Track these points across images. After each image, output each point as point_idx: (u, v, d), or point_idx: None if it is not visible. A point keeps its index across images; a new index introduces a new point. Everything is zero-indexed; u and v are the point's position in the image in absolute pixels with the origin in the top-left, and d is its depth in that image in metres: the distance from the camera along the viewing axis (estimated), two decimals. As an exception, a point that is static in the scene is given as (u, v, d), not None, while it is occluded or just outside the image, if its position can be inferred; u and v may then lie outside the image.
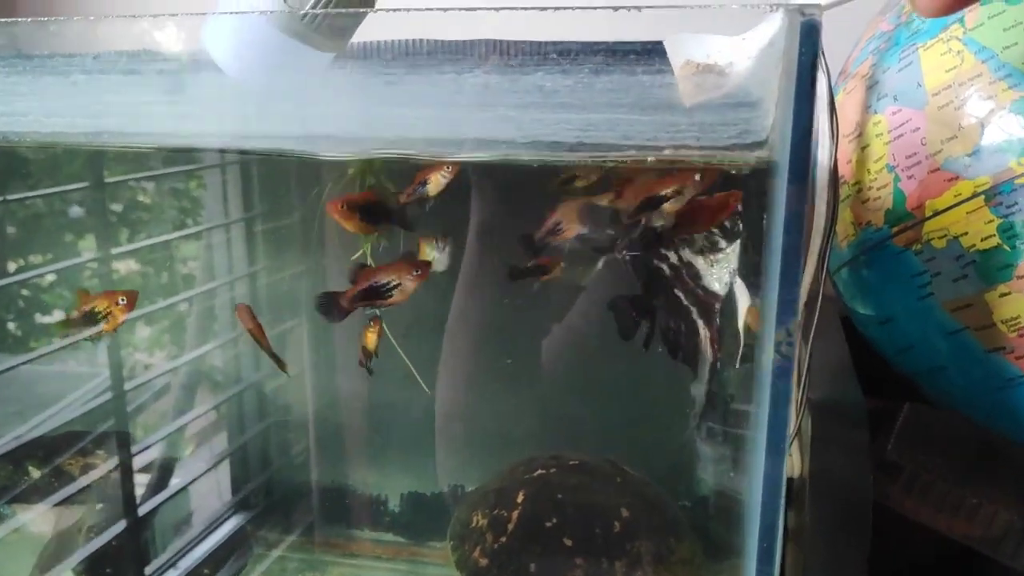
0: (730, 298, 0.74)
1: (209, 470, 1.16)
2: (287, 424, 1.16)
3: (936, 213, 0.76)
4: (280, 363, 0.94)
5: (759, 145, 0.59)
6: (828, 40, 0.58)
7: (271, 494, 1.17)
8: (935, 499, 0.94)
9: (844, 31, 0.89)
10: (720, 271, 0.74)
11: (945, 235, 0.75)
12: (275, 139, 0.84)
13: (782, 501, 0.60)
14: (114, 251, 1.04)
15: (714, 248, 0.75)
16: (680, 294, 0.77)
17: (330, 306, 0.88)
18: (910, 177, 0.78)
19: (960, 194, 0.74)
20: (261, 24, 0.84)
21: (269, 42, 0.85)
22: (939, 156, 0.75)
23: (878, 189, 0.81)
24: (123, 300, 0.85)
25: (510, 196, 0.89)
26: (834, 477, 0.75)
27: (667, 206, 0.67)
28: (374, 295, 0.83)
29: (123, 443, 1.09)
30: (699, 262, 0.75)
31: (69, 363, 1.15)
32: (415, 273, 0.81)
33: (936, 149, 0.76)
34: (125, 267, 1.14)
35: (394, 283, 0.81)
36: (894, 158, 0.79)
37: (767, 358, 0.61)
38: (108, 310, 0.85)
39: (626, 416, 1.03)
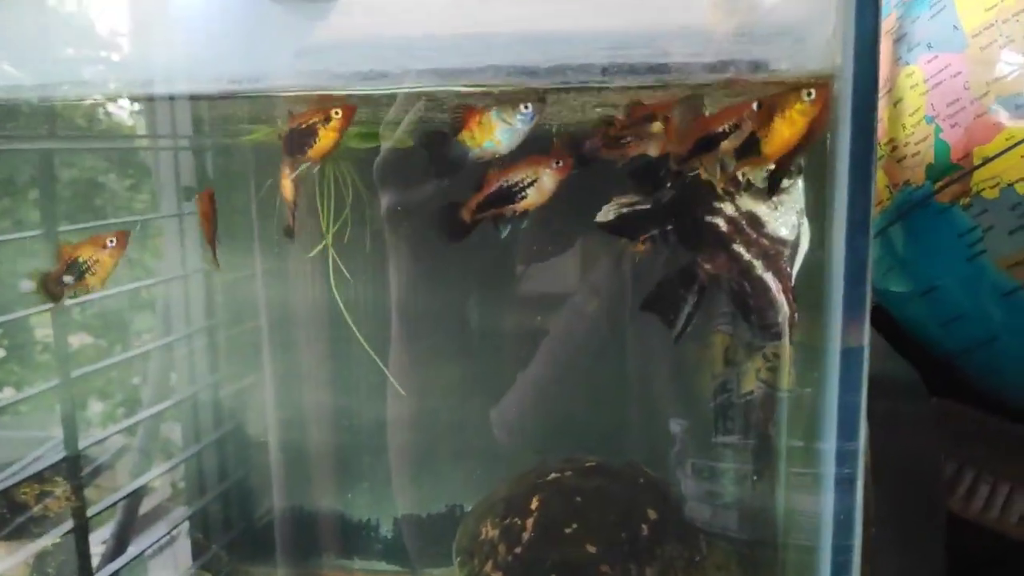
0: (797, 242, 0.66)
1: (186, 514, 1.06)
2: (268, 449, 1.06)
3: (986, 161, 0.70)
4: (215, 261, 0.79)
5: (817, 57, 0.53)
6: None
7: (255, 525, 1.07)
8: (980, 495, 0.87)
9: None
10: (786, 212, 0.66)
11: (998, 183, 0.69)
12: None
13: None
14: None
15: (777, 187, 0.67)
16: (741, 249, 0.69)
17: (452, 221, 0.69)
18: (953, 125, 0.72)
19: (1012, 137, 0.68)
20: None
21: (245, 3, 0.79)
22: (985, 99, 0.70)
23: (916, 144, 0.75)
24: (112, 242, 0.72)
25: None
26: (902, 454, 0.67)
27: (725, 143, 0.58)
28: (506, 199, 0.67)
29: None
30: (761, 208, 0.67)
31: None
32: (556, 165, 0.66)
33: (981, 92, 0.70)
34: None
35: (529, 180, 0.66)
36: (933, 108, 0.73)
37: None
38: (94, 258, 0.73)
39: (637, 417, 0.95)
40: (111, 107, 0.97)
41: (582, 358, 0.97)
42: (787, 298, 0.67)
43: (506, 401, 0.98)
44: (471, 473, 1.01)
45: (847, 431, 0.58)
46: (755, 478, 0.84)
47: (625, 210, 0.76)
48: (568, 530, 0.80)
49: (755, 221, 0.69)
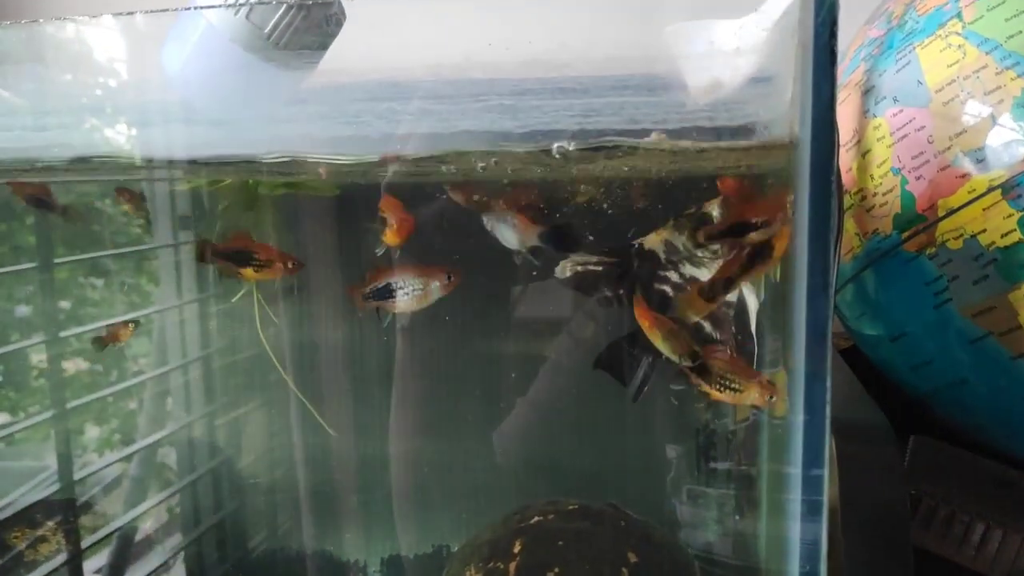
0: (740, 301, 0.69)
1: (181, 546, 1.07)
2: (258, 489, 1.08)
3: (950, 212, 0.72)
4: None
5: (777, 124, 0.55)
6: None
7: (244, 564, 1.07)
8: (956, 532, 0.88)
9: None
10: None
11: (961, 235, 0.71)
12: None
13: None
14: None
15: (713, 254, 0.70)
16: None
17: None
18: (918, 177, 0.74)
19: (975, 190, 0.70)
20: (223, 41, 0.80)
21: (231, 60, 0.81)
22: (948, 153, 0.72)
23: (884, 194, 0.77)
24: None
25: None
26: (868, 500, 0.69)
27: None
28: (389, 296, 0.72)
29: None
30: (703, 272, 0.70)
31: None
32: (447, 280, 0.70)
33: (944, 146, 0.72)
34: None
35: (417, 287, 0.71)
36: (899, 160, 0.76)
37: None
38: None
39: (619, 460, 0.97)
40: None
41: (578, 383, 0.99)
42: (732, 353, 0.69)
43: (506, 425, 1.00)
44: (459, 514, 1.02)
45: (812, 459, 0.60)
46: (744, 505, 0.86)
47: (580, 268, 0.79)
48: (550, 574, 0.81)
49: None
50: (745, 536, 0.87)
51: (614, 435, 0.97)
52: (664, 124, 0.55)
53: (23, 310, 1.13)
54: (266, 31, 0.79)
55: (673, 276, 0.72)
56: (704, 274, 0.71)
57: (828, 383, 0.58)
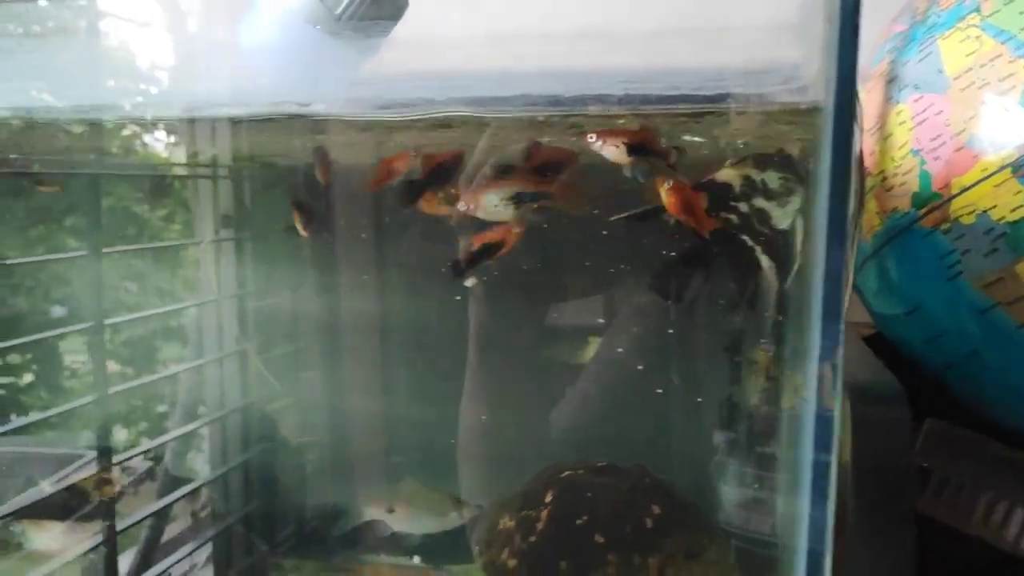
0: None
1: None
2: (299, 446, 1.14)
3: (963, 190, 0.77)
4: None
5: (805, 89, 0.61)
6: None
7: (284, 519, 1.14)
8: (964, 504, 0.93)
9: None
10: (789, 209, 0.75)
11: (973, 211, 0.77)
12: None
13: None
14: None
15: (787, 191, 0.76)
16: (747, 238, 0.77)
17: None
18: (936, 158, 0.79)
19: (987, 169, 0.76)
20: (298, 21, 0.87)
21: (304, 37, 0.88)
22: (963, 135, 0.77)
23: (903, 175, 0.83)
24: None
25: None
26: (878, 461, 0.74)
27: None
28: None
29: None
30: (770, 205, 0.76)
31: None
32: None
33: (960, 129, 0.78)
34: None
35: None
36: (918, 142, 0.81)
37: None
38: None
39: (678, 429, 1.01)
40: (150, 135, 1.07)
41: (628, 374, 1.05)
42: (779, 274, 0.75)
43: (558, 412, 1.06)
44: (497, 478, 1.08)
45: (822, 443, 0.64)
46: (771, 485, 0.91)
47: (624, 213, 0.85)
48: (579, 522, 0.87)
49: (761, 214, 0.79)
50: (770, 514, 0.91)
51: (664, 416, 1.01)
52: (701, 91, 0.62)
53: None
54: (337, 12, 0.86)
55: (743, 208, 0.78)
56: (775, 209, 0.77)
57: (840, 362, 0.62)
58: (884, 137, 0.86)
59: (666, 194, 0.72)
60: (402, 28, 0.84)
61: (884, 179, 0.85)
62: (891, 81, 0.87)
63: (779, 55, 0.64)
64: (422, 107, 0.68)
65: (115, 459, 0.98)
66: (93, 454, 1.05)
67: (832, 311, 0.60)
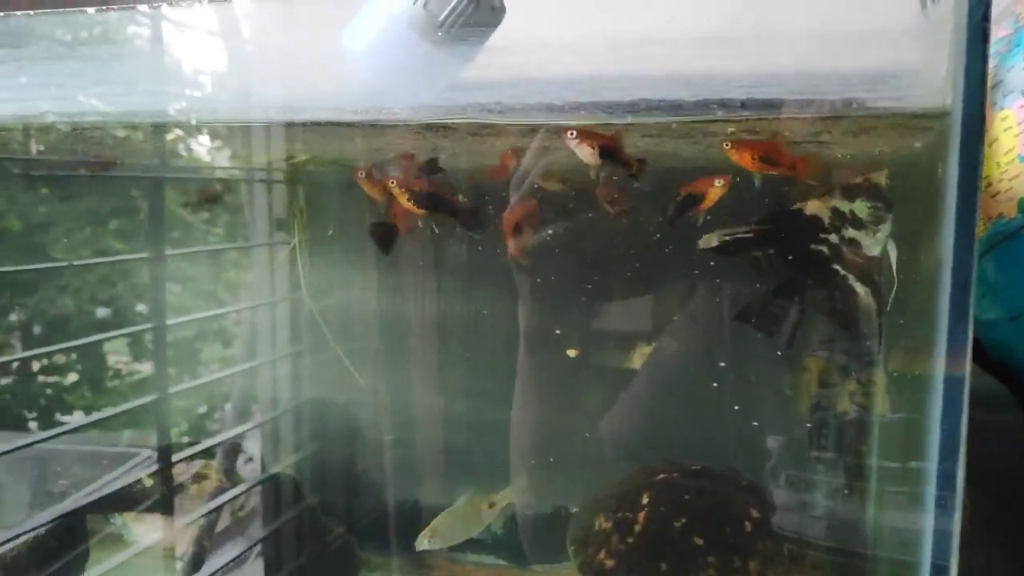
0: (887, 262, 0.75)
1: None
2: (391, 445, 1.16)
3: (1075, 195, 0.77)
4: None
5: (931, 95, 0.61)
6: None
7: (371, 516, 1.16)
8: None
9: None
10: (880, 236, 0.75)
11: (1083, 216, 0.76)
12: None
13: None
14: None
15: (877, 219, 0.76)
16: (838, 267, 0.78)
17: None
18: (1044, 164, 0.79)
19: (1097, 175, 0.75)
20: (402, 28, 0.89)
21: (407, 44, 0.89)
22: (1074, 140, 0.77)
23: (1010, 180, 0.82)
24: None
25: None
26: (991, 463, 0.74)
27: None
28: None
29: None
30: (860, 234, 0.77)
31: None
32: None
33: (1071, 134, 0.77)
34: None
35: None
36: (1026, 148, 0.81)
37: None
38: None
39: (732, 433, 1.02)
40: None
41: (679, 380, 1.06)
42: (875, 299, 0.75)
43: (611, 415, 1.07)
44: (578, 478, 1.09)
45: (947, 454, 0.63)
46: (846, 493, 0.90)
47: (727, 237, 0.85)
48: (677, 524, 0.88)
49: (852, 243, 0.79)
50: (849, 518, 0.91)
51: (717, 420, 1.02)
52: (825, 95, 0.62)
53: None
54: (440, 19, 0.88)
55: (833, 239, 0.78)
56: (865, 238, 0.77)
57: (967, 376, 0.62)
58: (989, 143, 0.85)
59: (733, 155, 0.73)
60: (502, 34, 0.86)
61: (989, 185, 0.85)
62: (995, 86, 0.86)
63: (901, 60, 0.64)
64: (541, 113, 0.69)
65: (174, 457, 1.01)
66: (148, 452, 1.09)
67: (960, 315, 0.60)
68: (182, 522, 1.01)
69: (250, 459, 1.12)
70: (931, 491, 0.64)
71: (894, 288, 0.78)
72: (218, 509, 1.06)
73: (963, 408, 0.62)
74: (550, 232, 0.97)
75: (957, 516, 0.63)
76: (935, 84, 0.60)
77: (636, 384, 1.06)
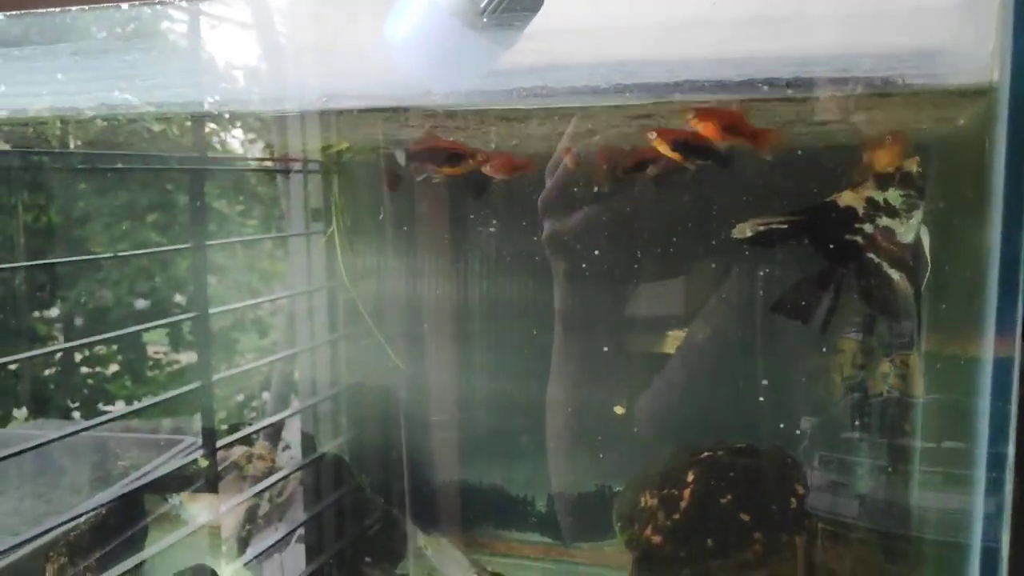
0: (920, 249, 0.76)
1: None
2: (438, 425, 1.18)
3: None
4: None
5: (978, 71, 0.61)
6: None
7: (418, 494, 1.18)
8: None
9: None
10: (913, 222, 0.76)
11: None
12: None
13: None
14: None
15: (910, 207, 0.77)
16: (872, 255, 0.79)
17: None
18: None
19: None
20: (444, 15, 0.90)
21: (449, 31, 0.90)
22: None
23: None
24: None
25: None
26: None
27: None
28: None
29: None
30: (894, 222, 0.77)
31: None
32: None
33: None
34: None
35: None
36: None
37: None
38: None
39: (765, 415, 1.02)
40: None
41: (713, 363, 1.06)
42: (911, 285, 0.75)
43: (645, 397, 1.08)
44: (619, 458, 1.10)
45: (997, 437, 0.62)
46: (888, 473, 0.91)
47: (762, 228, 0.86)
48: (723, 500, 0.89)
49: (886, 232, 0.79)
50: (887, 498, 0.91)
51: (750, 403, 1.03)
52: (872, 73, 0.63)
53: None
54: (481, 5, 0.89)
55: (868, 228, 0.79)
56: (899, 225, 0.78)
57: (1016, 357, 0.62)
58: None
59: (698, 125, 0.74)
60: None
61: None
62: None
63: (948, 37, 0.65)
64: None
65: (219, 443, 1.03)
66: (193, 439, 1.12)
67: (1009, 294, 0.61)
68: (238, 501, 1.04)
69: (303, 439, 1.14)
70: (980, 473, 0.64)
71: (927, 272, 0.79)
72: (282, 484, 1.09)
73: (1013, 390, 0.62)
74: (586, 214, 0.98)
75: (1008, 498, 0.63)
76: (982, 61, 0.61)
77: (668, 370, 1.07)
